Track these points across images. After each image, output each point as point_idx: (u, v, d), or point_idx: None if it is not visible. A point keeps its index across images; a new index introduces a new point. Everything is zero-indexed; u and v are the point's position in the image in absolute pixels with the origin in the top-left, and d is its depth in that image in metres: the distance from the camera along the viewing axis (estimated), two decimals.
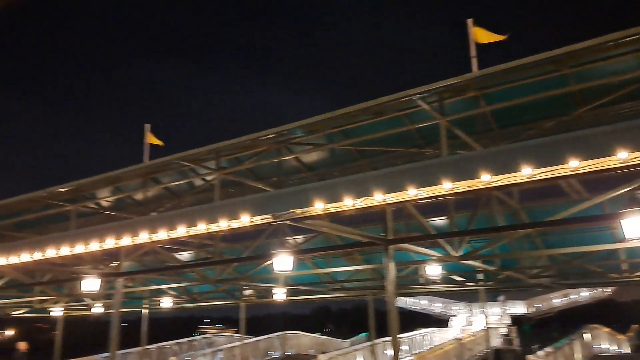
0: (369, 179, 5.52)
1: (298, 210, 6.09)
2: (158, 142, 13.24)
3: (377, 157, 10.63)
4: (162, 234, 7.37)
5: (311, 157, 11.16)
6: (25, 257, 8.09)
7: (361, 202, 5.77)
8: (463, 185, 5.13)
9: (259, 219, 6.79)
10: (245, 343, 20.05)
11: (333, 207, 5.97)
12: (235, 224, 6.99)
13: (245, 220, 6.78)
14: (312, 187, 5.99)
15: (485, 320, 25.54)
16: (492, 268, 11.94)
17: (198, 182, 12.47)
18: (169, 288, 15.44)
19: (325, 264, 13.94)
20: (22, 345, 15.00)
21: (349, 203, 5.74)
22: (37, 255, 7.91)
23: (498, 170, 4.72)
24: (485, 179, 4.82)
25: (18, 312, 19.41)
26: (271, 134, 9.32)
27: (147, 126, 13.31)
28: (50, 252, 7.76)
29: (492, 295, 30.46)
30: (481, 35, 8.61)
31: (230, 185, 12.16)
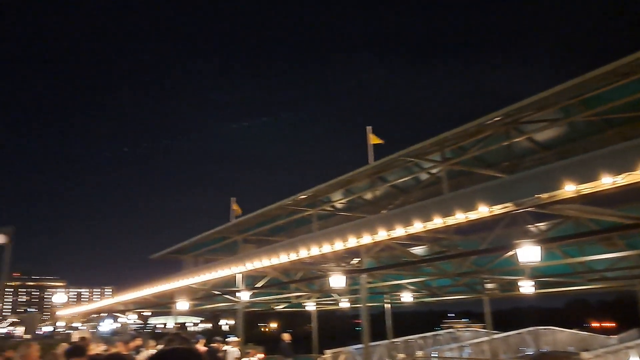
0: (632, 149, 4.62)
1: (544, 195, 5.45)
2: (380, 141, 13.54)
3: (628, 125, 9.11)
4: (399, 231, 7.44)
5: (546, 134, 10.14)
6: (282, 258, 9.04)
7: (622, 179, 4.88)
8: None
9: (498, 208, 6.34)
10: (494, 338, 19.14)
11: (587, 188, 5.18)
12: (472, 215, 6.65)
13: (483, 210, 6.39)
14: (560, 167, 5.30)
15: None
16: None
17: (424, 176, 12.43)
18: (408, 283, 15.71)
19: (577, 252, 12.44)
20: (286, 336, 16.90)
21: (607, 181, 4.91)
22: (292, 256, 8.75)
23: None
24: None
25: (279, 307, 22.10)
26: (498, 116, 8.73)
27: (369, 128, 13.78)
28: (303, 253, 8.50)
29: None
30: None
31: (458, 176, 11.80)
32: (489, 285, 16.66)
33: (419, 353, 19.12)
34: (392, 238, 7.94)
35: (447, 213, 6.72)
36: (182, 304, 16.33)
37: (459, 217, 6.72)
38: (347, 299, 20.01)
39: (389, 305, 20.74)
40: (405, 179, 12.55)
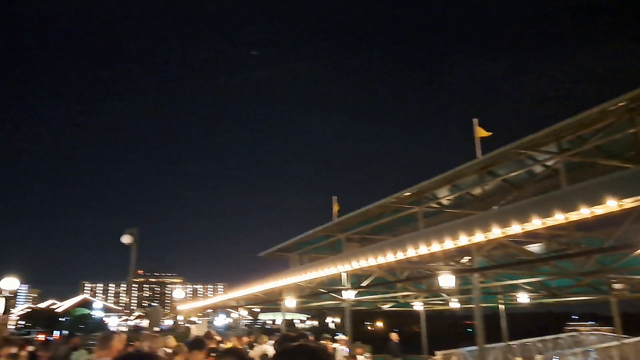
0: None
1: None
2: (487, 134, 12.93)
3: None
4: (516, 227, 7.03)
5: None
6: (389, 256, 8.91)
7: None
8: None
9: (630, 202, 5.76)
10: (624, 343, 17.36)
11: None
12: (598, 210, 6.11)
13: (611, 204, 5.85)
14: None
15: None
16: None
17: (538, 169, 11.70)
18: (523, 283, 14.81)
19: None
20: (394, 336, 16.73)
21: None
22: (400, 255, 8.59)
23: None
24: None
25: (386, 306, 21.92)
26: (622, 102, 7.98)
27: (475, 120, 13.23)
28: (410, 251, 8.32)
29: None
30: None
31: (576, 168, 10.96)
32: (616, 286, 15.23)
33: (538, 357, 17.89)
34: (507, 235, 7.53)
35: (569, 208, 6.25)
36: (290, 301, 16.76)
37: (584, 212, 6.21)
38: (457, 299, 19.31)
39: (503, 306, 19.69)
40: (518, 172, 11.87)
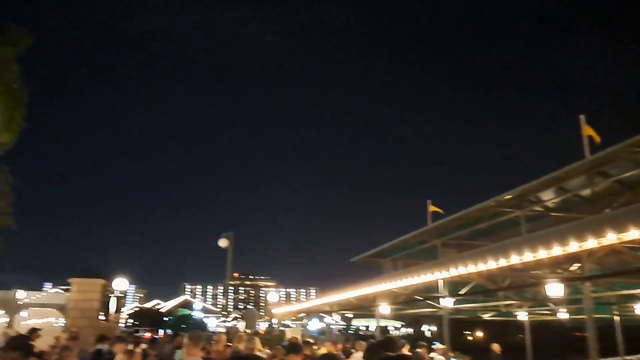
0: None
1: None
2: (595, 135, 12.00)
3: None
4: (634, 233, 6.42)
5: None
6: (490, 263, 8.49)
7: None
8: None
9: None
10: None
11: None
12: None
13: None
14: None
15: None
16: None
17: None
18: None
19: None
20: (496, 347, 15.92)
21: None
22: (502, 262, 8.16)
23: None
24: None
25: (486, 315, 20.90)
26: None
27: (582, 117, 12.33)
28: (514, 258, 7.88)
29: None
30: None
31: None
32: None
33: None
34: (623, 241, 6.89)
35: None
36: (384, 308, 16.51)
37: None
38: (565, 309, 17.98)
39: (618, 318, 18.04)
40: (634, 172, 10.89)
